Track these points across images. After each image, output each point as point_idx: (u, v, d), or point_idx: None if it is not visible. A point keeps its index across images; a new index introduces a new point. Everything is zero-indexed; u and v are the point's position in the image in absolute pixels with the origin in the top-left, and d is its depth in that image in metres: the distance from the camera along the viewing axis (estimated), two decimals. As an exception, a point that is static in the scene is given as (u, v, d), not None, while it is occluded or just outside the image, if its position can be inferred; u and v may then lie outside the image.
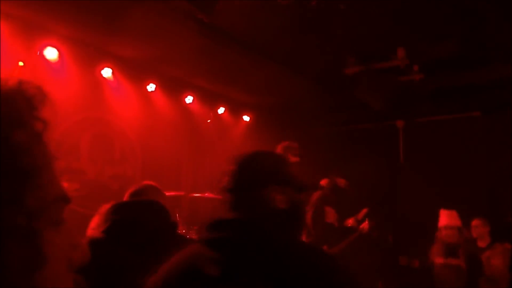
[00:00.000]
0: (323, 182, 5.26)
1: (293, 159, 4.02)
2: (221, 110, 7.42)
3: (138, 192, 2.09)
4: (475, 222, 4.98)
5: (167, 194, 2.34)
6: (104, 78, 5.66)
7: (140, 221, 1.69)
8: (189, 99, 6.81)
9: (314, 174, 6.19)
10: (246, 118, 7.96)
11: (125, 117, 5.98)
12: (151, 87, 6.21)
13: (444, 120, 6.86)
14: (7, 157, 0.51)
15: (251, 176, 1.44)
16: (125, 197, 2.09)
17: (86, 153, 5.49)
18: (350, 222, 5.20)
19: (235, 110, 7.75)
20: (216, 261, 1.24)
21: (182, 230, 4.60)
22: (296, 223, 1.45)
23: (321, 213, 4.94)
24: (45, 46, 4.97)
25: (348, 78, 5.80)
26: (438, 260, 4.30)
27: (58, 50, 5.07)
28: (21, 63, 4.68)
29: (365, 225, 4.95)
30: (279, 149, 4.07)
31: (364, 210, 5.22)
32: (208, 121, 7.30)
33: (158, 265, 1.32)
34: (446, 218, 4.46)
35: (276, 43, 5.42)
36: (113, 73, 5.70)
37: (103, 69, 5.60)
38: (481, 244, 4.85)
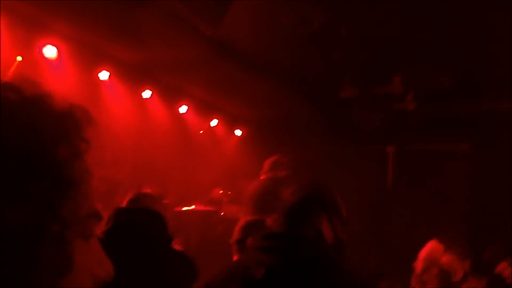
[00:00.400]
0: None
1: (282, 173, 3.88)
2: (214, 122, 7.43)
3: (137, 199, 2.08)
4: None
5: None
6: (101, 80, 5.65)
7: (140, 228, 1.70)
8: (183, 109, 6.82)
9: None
10: (238, 132, 7.98)
11: (119, 121, 5.97)
12: (147, 93, 6.21)
13: (434, 149, 6.94)
14: (49, 169, 0.56)
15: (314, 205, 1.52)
16: (125, 203, 2.08)
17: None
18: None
19: (229, 123, 7.77)
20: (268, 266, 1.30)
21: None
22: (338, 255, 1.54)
23: None
24: (45, 44, 4.96)
25: (343, 100, 5.87)
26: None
27: (57, 48, 5.06)
28: (19, 58, 4.66)
29: None
30: (267, 164, 3.88)
31: None
32: (201, 132, 7.31)
33: (148, 271, 1.31)
34: (426, 252, 4.43)
35: (275, 60, 5.48)
36: (110, 76, 5.70)
37: (101, 71, 5.59)
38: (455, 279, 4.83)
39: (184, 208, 5.89)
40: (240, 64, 5.58)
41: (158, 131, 6.43)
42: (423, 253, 4.41)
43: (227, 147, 7.74)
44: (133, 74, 6.04)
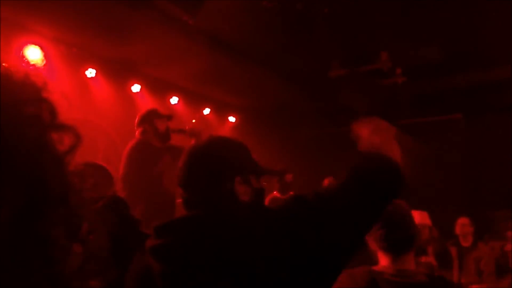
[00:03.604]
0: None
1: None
2: (206, 111, 7.41)
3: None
4: (462, 220, 5.04)
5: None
6: (88, 78, 5.61)
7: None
8: (174, 100, 6.79)
9: (298, 175, 6.24)
10: (232, 119, 7.97)
11: (109, 118, 5.93)
12: (135, 88, 6.18)
13: (427, 122, 6.96)
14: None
15: (209, 169, 1.24)
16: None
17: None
18: None
19: (221, 111, 7.74)
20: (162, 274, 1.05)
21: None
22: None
23: None
24: (26, 46, 4.90)
25: (332, 82, 5.85)
26: None
27: (41, 50, 5.00)
28: (3, 64, 4.61)
29: None
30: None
31: None
32: (193, 121, 7.27)
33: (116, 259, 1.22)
34: (417, 217, 4.70)
35: (261, 45, 5.45)
36: (97, 74, 5.65)
37: (86, 69, 5.55)
38: (465, 243, 4.94)
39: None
40: (227, 52, 5.54)
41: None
42: (415, 220, 4.65)
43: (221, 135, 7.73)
44: (120, 70, 5.99)
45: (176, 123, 4.27)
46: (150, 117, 4.05)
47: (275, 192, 5.44)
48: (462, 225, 5.00)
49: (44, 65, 5.04)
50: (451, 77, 6.12)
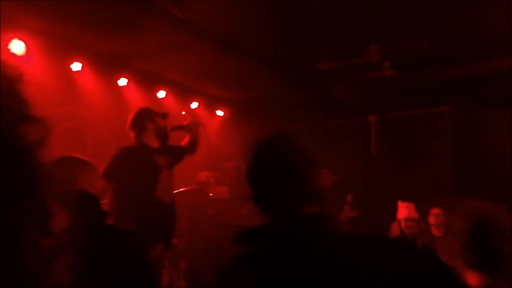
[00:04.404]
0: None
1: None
2: (195, 105, 7.37)
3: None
4: (435, 211, 5.11)
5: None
6: (76, 72, 5.54)
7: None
8: (162, 94, 6.74)
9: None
10: (220, 112, 7.94)
11: (97, 112, 5.87)
12: (123, 81, 6.11)
13: (415, 115, 7.00)
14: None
15: (294, 164, 1.12)
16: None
17: (57, 148, 5.36)
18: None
19: (210, 105, 7.71)
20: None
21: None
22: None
23: None
24: (10, 39, 4.81)
25: (322, 74, 5.85)
26: None
27: (25, 43, 4.92)
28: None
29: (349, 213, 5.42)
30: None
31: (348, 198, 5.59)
32: (183, 113, 7.23)
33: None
34: (406, 210, 4.85)
35: (250, 38, 5.41)
36: (84, 67, 5.58)
37: (73, 63, 5.48)
38: (436, 233, 4.99)
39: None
40: (215, 44, 5.49)
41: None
42: (403, 213, 4.84)
43: (210, 129, 7.70)
44: (108, 63, 5.93)
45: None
46: (145, 118, 3.87)
47: None
48: (436, 216, 5.07)
49: (30, 57, 4.96)
50: (439, 70, 6.15)
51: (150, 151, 3.78)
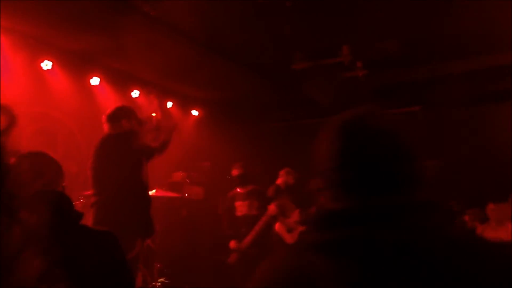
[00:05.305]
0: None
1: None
2: (169, 105, 7.32)
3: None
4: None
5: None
6: (46, 71, 5.43)
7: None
8: (135, 93, 6.68)
9: (262, 168, 6.27)
10: (195, 112, 7.91)
11: (69, 112, 5.77)
12: (95, 80, 6.03)
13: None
14: None
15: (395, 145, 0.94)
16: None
17: (27, 150, 5.24)
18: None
19: (184, 104, 7.68)
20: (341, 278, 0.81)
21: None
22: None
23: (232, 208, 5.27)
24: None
25: (296, 74, 5.90)
26: None
27: (-6, 41, 4.80)
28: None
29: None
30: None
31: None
32: (153, 114, 7.17)
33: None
34: None
35: (224, 37, 5.42)
36: (55, 65, 5.48)
37: (43, 61, 5.37)
38: None
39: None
40: (189, 44, 5.48)
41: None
42: None
43: (184, 129, 7.66)
44: (79, 62, 5.83)
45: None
46: (124, 117, 3.90)
47: (238, 189, 5.38)
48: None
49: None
50: (409, 69, 6.29)
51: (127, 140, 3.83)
